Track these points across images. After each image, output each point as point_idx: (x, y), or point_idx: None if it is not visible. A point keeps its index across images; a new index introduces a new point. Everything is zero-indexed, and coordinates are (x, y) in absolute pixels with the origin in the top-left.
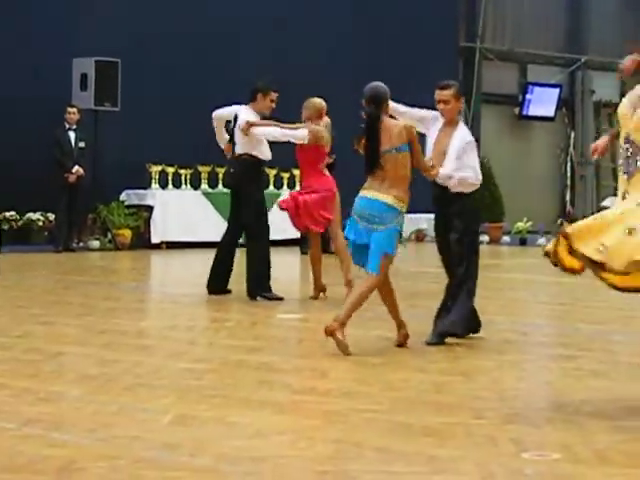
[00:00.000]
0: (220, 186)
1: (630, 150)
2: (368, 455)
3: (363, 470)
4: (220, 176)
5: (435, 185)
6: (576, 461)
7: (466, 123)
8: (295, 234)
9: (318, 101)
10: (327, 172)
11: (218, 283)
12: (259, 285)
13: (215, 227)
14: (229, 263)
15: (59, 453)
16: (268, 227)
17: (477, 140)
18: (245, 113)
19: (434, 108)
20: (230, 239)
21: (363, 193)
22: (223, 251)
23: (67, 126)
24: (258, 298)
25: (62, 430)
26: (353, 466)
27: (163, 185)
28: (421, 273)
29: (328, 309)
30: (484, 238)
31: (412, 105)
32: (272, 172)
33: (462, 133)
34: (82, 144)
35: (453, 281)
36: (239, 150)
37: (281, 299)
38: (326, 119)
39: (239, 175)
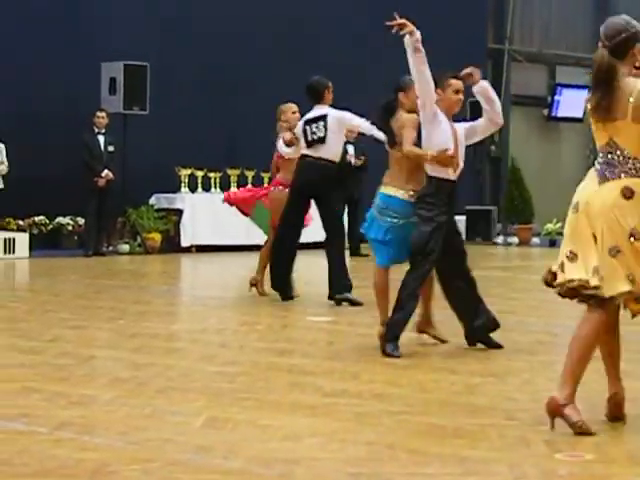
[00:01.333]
0: None
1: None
2: (401, 457)
3: (396, 472)
4: (249, 179)
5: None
6: (609, 461)
7: None
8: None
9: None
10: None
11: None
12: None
13: (244, 230)
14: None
15: (92, 456)
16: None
17: (506, 141)
18: (334, 111)
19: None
20: (293, 241)
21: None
22: (288, 252)
23: (96, 130)
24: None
25: (94, 434)
26: (386, 468)
27: (192, 188)
28: None
29: (357, 311)
30: (514, 239)
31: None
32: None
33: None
34: (111, 148)
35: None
36: (325, 154)
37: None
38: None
39: (321, 180)
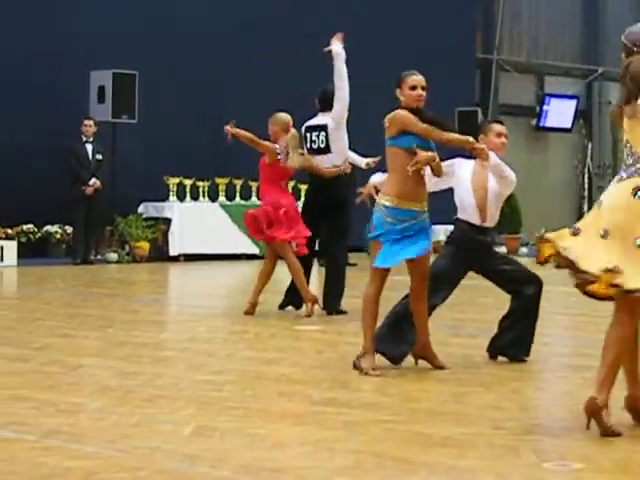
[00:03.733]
0: (238, 198)
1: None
2: (388, 465)
3: None
4: (238, 188)
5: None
6: (597, 471)
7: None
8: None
9: (284, 115)
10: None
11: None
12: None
13: (232, 239)
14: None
15: (80, 464)
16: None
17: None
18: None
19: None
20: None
21: None
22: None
23: (84, 139)
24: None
25: (83, 442)
26: (373, 477)
27: (181, 197)
28: None
29: (346, 321)
30: (502, 249)
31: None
32: (238, 182)
33: None
34: (99, 156)
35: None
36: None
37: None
38: (292, 131)
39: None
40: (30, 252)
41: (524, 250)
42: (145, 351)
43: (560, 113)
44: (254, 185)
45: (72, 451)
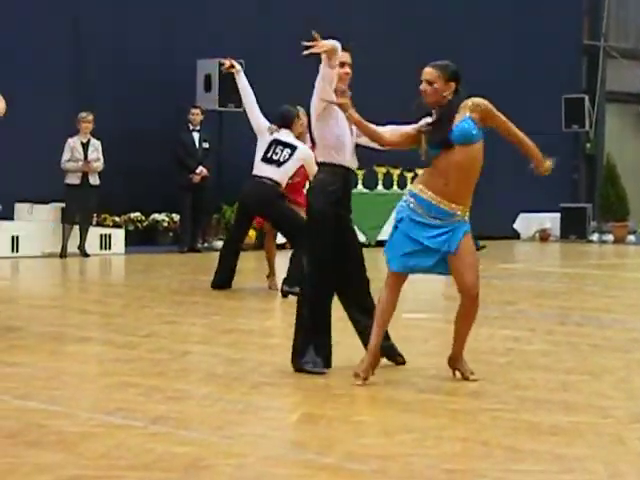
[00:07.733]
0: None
1: None
2: (496, 454)
3: (490, 469)
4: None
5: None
6: None
7: (590, 122)
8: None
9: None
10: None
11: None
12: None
13: None
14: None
15: (187, 450)
16: None
17: (601, 139)
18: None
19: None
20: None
21: None
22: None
23: (191, 127)
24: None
25: (190, 428)
26: (481, 464)
27: None
28: (546, 273)
29: (453, 308)
30: (609, 237)
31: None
32: (396, 172)
33: None
34: (206, 145)
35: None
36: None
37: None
38: None
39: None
40: (137, 240)
41: (632, 238)
42: (251, 338)
43: None
44: (379, 171)
45: (179, 437)
